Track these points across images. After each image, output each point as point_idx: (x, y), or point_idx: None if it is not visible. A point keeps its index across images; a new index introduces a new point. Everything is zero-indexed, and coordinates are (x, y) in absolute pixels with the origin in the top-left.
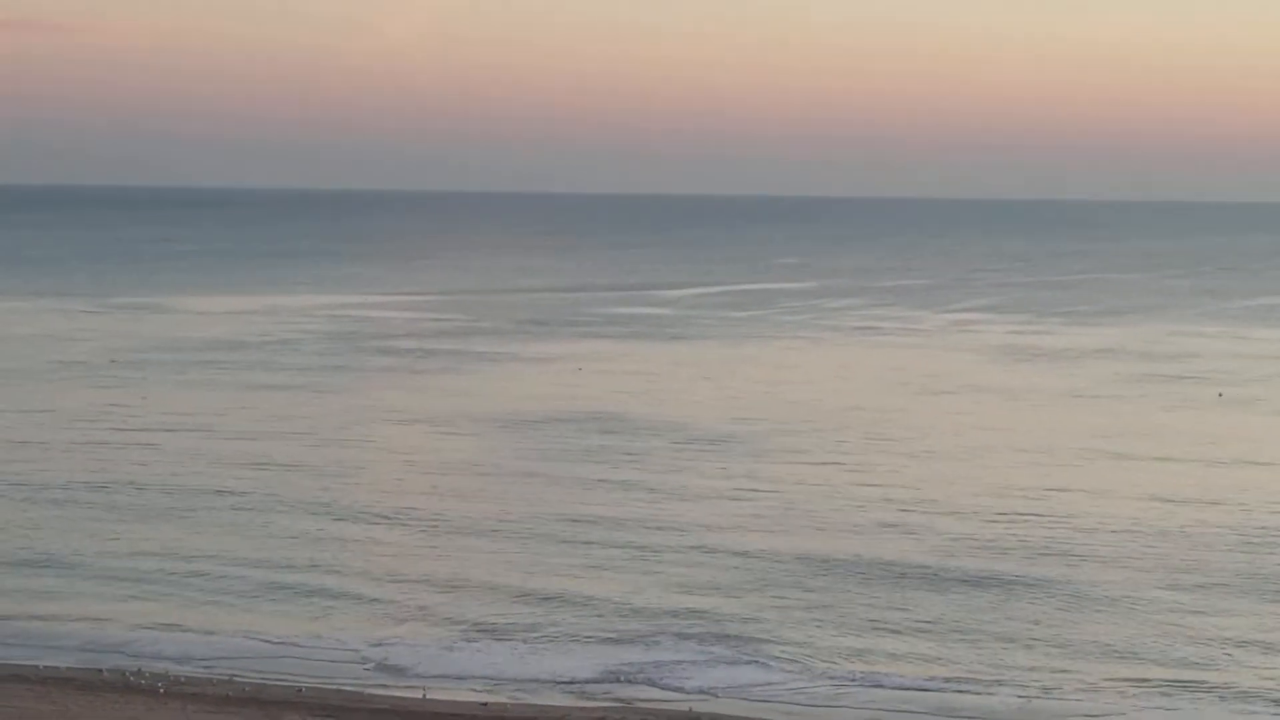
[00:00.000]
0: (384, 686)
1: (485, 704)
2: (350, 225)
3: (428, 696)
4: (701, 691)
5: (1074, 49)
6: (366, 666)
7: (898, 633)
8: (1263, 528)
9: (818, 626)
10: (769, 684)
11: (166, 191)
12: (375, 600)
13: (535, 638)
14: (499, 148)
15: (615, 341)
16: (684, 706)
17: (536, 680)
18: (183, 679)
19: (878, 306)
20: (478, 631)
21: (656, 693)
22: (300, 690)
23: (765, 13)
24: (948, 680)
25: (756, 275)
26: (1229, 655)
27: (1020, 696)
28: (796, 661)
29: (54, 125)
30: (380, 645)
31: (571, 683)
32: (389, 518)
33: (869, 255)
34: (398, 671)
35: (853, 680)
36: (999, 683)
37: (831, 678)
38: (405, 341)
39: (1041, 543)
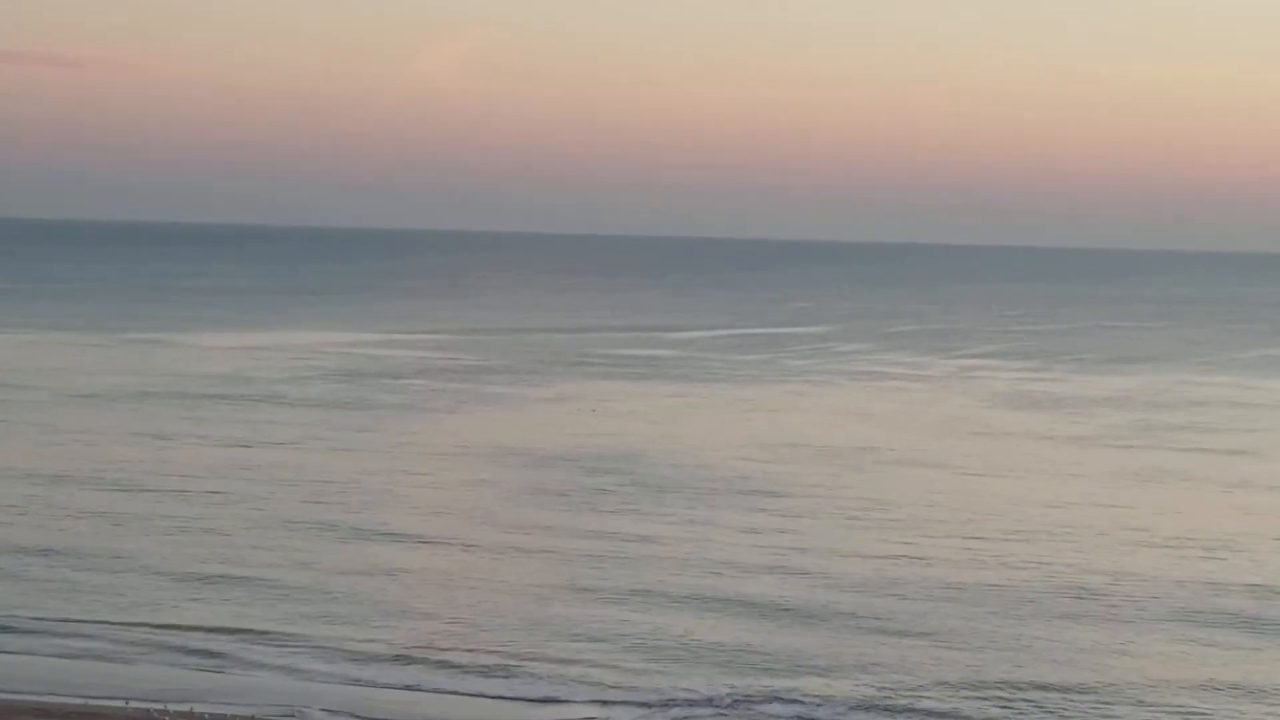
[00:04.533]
0: None
1: None
2: (368, 264)
3: None
4: None
5: (1096, 89)
6: (375, 708)
7: (907, 675)
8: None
9: (831, 674)
10: None
11: (190, 228)
12: (389, 642)
13: (533, 685)
14: (520, 189)
15: (627, 382)
16: None
17: None
18: (206, 716)
19: (886, 351)
20: (484, 677)
21: None
22: None
23: (800, 61)
24: None
25: (768, 319)
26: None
27: None
28: (816, 713)
29: (77, 159)
30: (391, 690)
31: None
32: (394, 558)
33: (882, 300)
34: (407, 714)
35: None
36: None
37: None
38: (416, 380)
39: (1056, 589)
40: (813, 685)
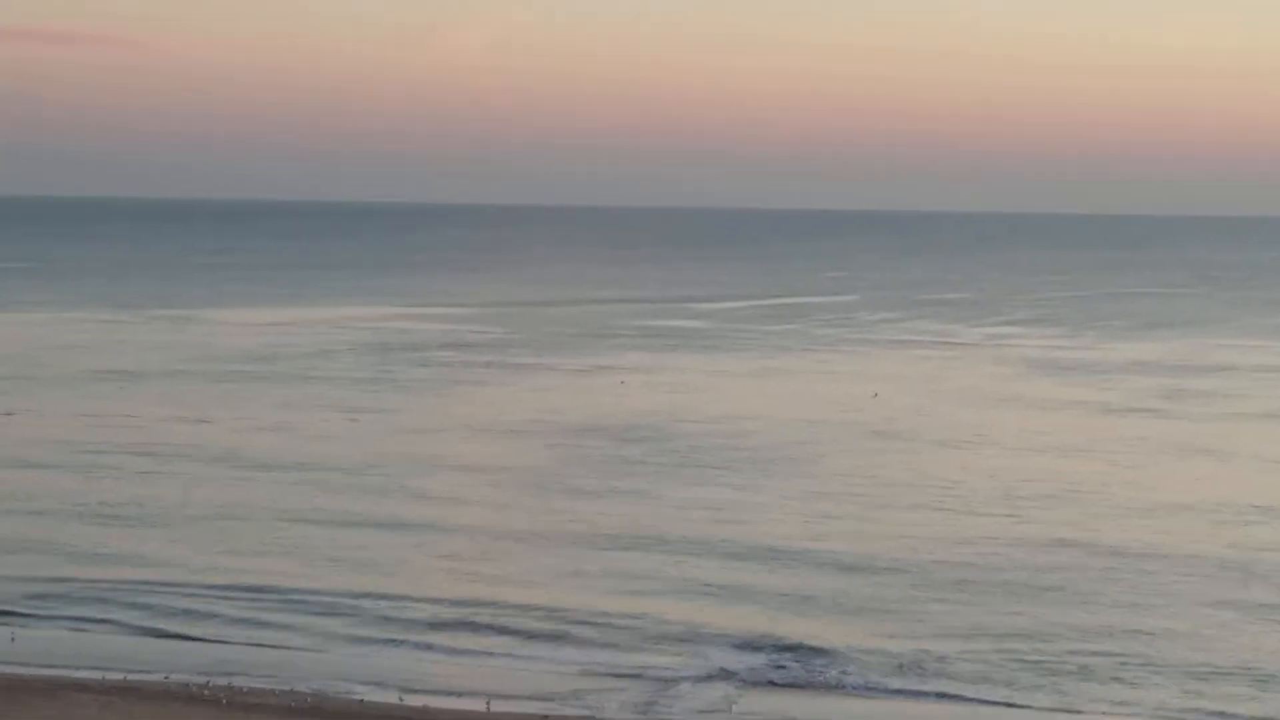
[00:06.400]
0: (447, 697)
1: (546, 716)
2: (393, 239)
3: (491, 710)
4: (750, 712)
5: (1134, 57)
6: (421, 679)
7: (952, 638)
8: None
9: (873, 635)
10: (831, 692)
11: (216, 204)
12: (431, 611)
13: (578, 647)
14: (547, 162)
15: (656, 353)
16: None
17: (578, 691)
18: (245, 690)
19: (915, 320)
20: (534, 641)
21: (708, 707)
22: (362, 702)
23: (835, 26)
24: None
25: (796, 288)
26: None
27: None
28: (858, 669)
29: (108, 138)
30: (441, 656)
31: (618, 691)
32: (427, 528)
33: (910, 268)
34: (457, 684)
35: (916, 693)
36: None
37: (895, 690)
38: (444, 353)
39: (1087, 554)
40: (847, 643)
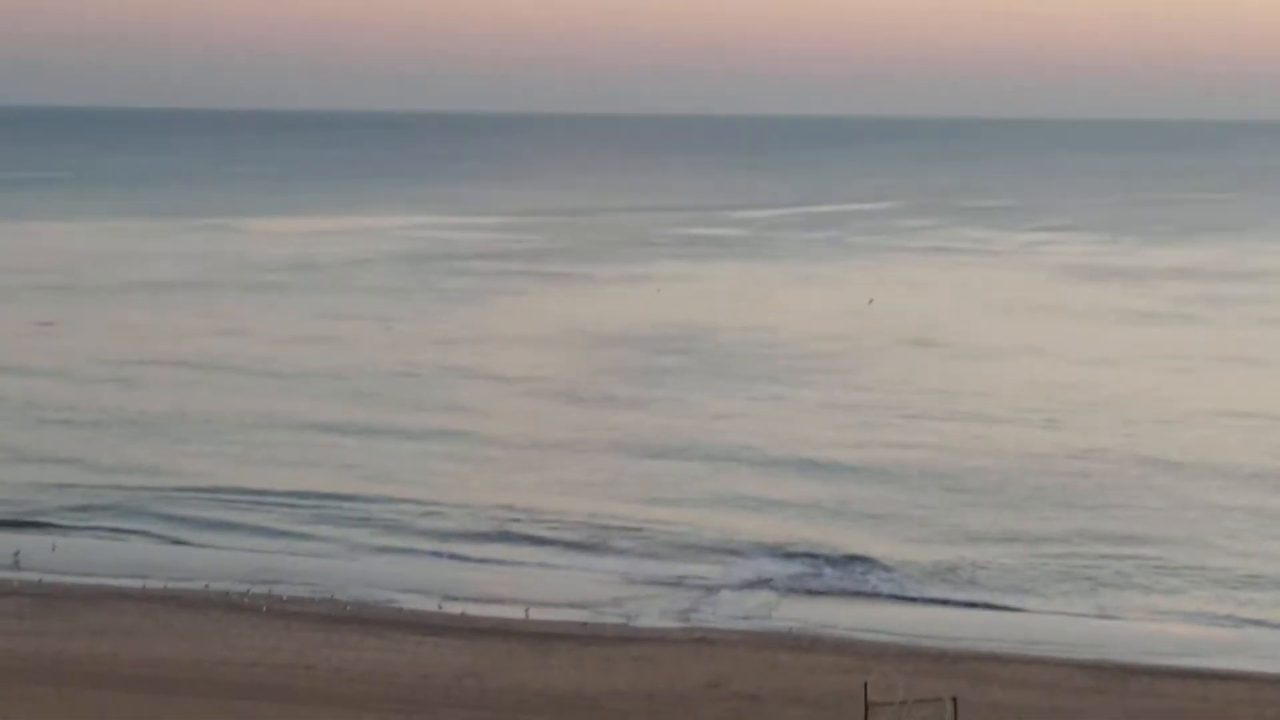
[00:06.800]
0: (487, 604)
1: (585, 624)
2: (437, 149)
3: (530, 617)
4: (791, 618)
5: None
6: (459, 587)
7: (988, 545)
8: None
9: (910, 542)
10: (868, 599)
11: (253, 114)
12: (462, 522)
13: (617, 556)
14: (587, 69)
15: (693, 262)
16: (783, 627)
17: (617, 599)
18: (285, 598)
19: (954, 226)
20: (572, 550)
21: (747, 614)
22: (402, 609)
23: None
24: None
25: (834, 196)
26: None
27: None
28: (895, 576)
29: (135, 48)
30: (480, 565)
31: (658, 599)
32: (463, 438)
33: (949, 175)
34: (496, 592)
35: (952, 600)
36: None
37: (931, 597)
38: (481, 262)
39: (1122, 458)
40: (883, 551)
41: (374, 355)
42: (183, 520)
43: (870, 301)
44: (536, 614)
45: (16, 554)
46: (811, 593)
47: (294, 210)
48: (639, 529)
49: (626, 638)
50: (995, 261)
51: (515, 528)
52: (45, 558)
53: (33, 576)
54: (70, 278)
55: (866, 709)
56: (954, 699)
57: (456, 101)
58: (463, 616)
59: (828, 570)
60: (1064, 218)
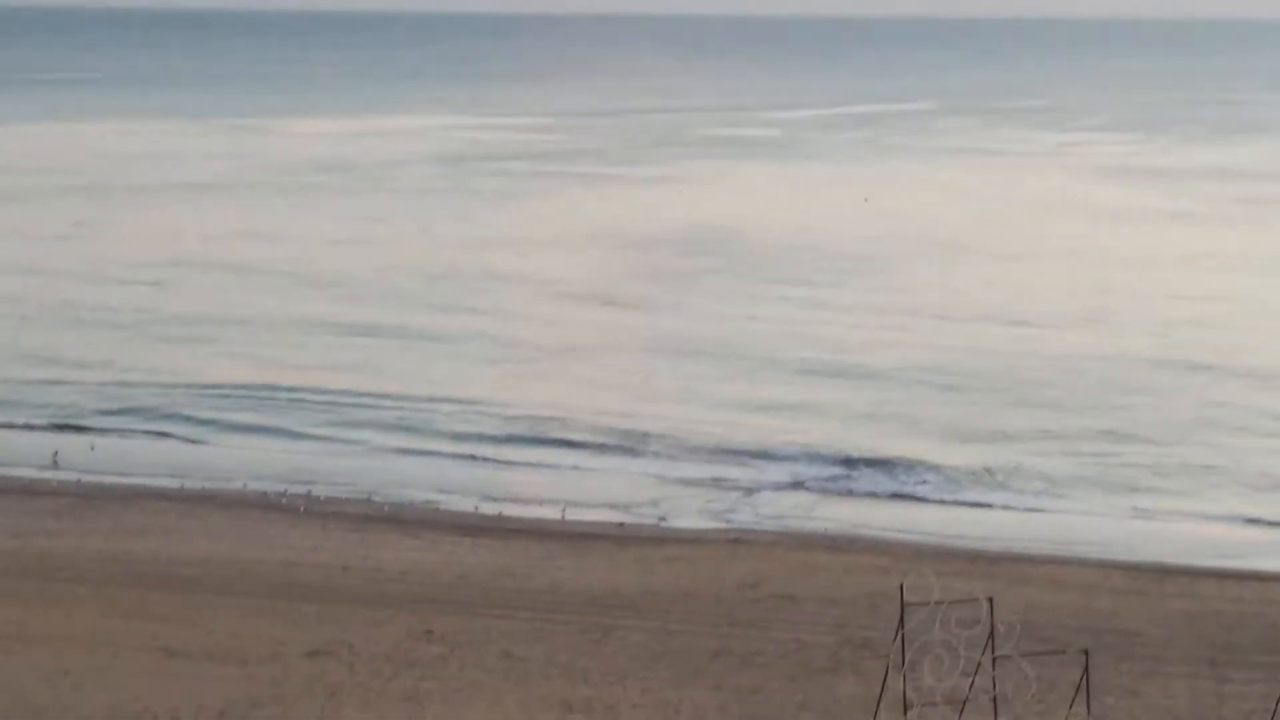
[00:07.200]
0: (524, 505)
1: (621, 525)
2: (472, 48)
3: (566, 517)
4: (830, 517)
5: None
6: (495, 487)
7: (1025, 448)
8: None
9: (947, 445)
10: (905, 501)
11: (284, 14)
12: (497, 424)
13: (652, 458)
14: None
15: (727, 162)
16: (819, 528)
17: (653, 500)
18: (322, 499)
19: (989, 127)
20: (607, 452)
21: (783, 514)
22: (439, 510)
23: None
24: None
25: (869, 96)
26: None
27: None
28: (932, 479)
29: None
30: (515, 467)
31: (693, 499)
32: (497, 341)
33: (984, 76)
34: (532, 493)
35: (989, 504)
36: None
37: (968, 501)
38: (516, 164)
39: (1158, 364)
40: (920, 454)
41: (409, 256)
42: (219, 422)
43: (865, 199)
44: (573, 514)
45: (55, 454)
46: (848, 494)
47: (327, 111)
48: (674, 431)
49: (662, 538)
50: (1033, 163)
51: (551, 429)
52: (84, 458)
53: (71, 477)
54: (102, 178)
55: (902, 609)
56: (990, 599)
57: (487, 3)
58: (499, 517)
59: (864, 471)
60: (1098, 118)
